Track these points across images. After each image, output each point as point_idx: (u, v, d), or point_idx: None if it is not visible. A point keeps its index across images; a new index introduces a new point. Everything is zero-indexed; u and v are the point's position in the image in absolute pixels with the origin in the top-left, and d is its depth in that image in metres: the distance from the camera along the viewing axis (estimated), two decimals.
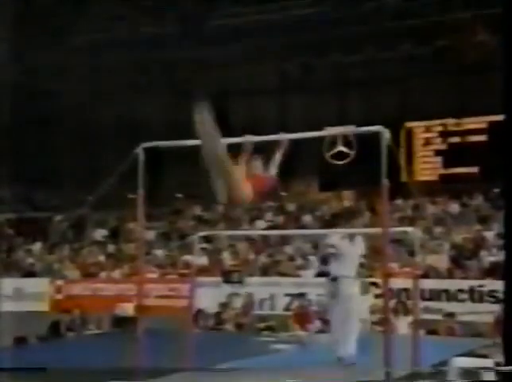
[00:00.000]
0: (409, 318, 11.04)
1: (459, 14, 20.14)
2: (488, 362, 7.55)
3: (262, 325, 14.32)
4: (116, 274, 17.91)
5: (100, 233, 21.15)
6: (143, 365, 8.00)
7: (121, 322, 14.17)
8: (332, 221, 18.74)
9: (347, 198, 21.39)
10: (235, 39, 22.15)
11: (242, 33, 22.14)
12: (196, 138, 8.16)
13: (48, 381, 8.44)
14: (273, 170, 7.13)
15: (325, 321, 13.30)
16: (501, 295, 11.21)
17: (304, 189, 22.53)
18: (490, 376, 7.03)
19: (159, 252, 18.62)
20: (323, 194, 21.71)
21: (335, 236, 9.50)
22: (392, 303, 11.49)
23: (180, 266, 17.18)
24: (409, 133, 19.85)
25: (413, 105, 21.10)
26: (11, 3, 19.81)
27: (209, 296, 14.74)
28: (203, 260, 16.38)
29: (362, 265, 11.32)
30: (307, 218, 19.39)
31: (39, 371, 8.48)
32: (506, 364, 6.01)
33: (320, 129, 9.29)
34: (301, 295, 14.78)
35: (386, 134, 7.16)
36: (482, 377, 7.14)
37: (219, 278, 16.02)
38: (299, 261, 16.78)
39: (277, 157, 7.23)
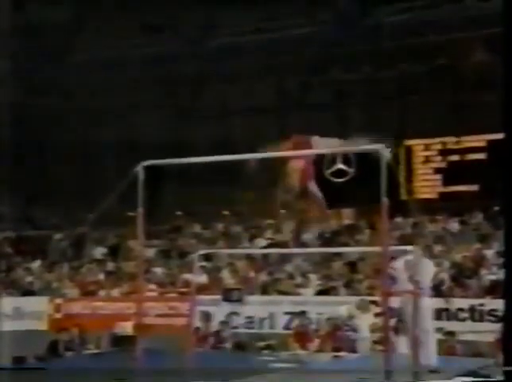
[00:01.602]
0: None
1: (457, 33, 20.23)
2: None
3: (262, 343, 14.26)
4: (115, 292, 17.82)
5: (100, 251, 21.06)
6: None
7: (120, 341, 14.10)
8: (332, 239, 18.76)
9: (347, 216, 21.35)
10: (235, 57, 22.24)
11: (242, 51, 22.23)
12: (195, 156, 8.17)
13: None
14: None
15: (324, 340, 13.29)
16: (501, 314, 11.17)
17: (304, 207, 22.48)
18: None
19: (158, 270, 18.54)
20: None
21: None
22: (392, 322, 11.42)
23: (179, 284, 17.11)
24: (409, 151, 19.86)
25: (413, 123, 21.13)
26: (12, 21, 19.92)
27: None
28: (202, 278, 16.32)
29: None
30: (307, 236, 19.34)
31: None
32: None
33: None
34: (301, 314, 14.71)
35: (386, 152, 7.18)
36: None
37: (218, 297, 15.95)
38: (299, 279, 16.72)
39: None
